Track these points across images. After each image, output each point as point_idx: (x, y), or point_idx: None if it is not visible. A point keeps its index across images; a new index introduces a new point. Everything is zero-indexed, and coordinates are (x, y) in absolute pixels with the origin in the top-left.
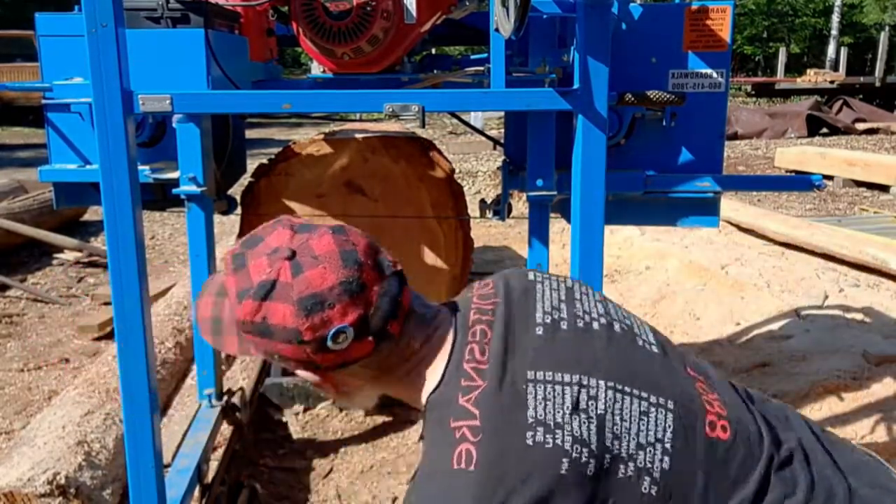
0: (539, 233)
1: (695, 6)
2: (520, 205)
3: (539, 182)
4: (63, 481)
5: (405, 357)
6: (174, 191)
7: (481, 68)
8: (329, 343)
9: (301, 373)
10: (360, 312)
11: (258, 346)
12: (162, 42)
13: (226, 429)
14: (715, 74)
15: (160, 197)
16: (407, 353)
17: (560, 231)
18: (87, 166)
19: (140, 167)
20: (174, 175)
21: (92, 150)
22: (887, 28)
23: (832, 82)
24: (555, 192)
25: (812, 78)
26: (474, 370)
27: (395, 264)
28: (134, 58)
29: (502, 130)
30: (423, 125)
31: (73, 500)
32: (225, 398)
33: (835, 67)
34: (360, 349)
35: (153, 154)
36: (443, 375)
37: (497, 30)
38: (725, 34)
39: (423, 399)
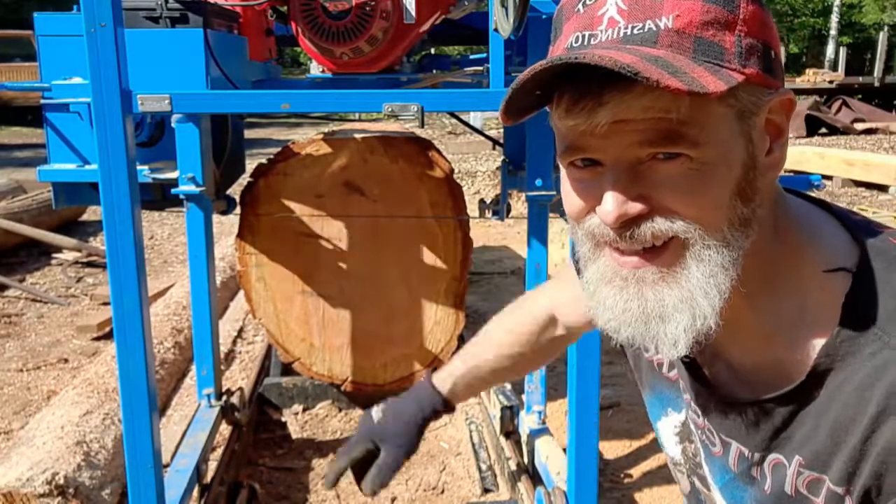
0: (538, 232)
1: None
2: (519, 205)
3: (538, 182)
4: (62, 481)
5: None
6: (173, 191)
7: (480, 68)
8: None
9: (787, 94)
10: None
11: (758, 34)
12: (161, 42)
13: (225, 428)
14: None
15: (159, 197)
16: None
17: (560, 231)
18: (86, 166)
19: (139, 167)
20: (173, 175)
21: (91, 149)
22: (886, 28)
23: (831, 82)
24: (554, 192)
25: (811, 78)
26: None
27: None
28: (133, 58)
29: (501, 130)
30: (422, 125)
31: (72, 500)
32: (224, 398)
33: (834, 67)
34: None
35: (152, 154)
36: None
37: (496, 29)
38: None
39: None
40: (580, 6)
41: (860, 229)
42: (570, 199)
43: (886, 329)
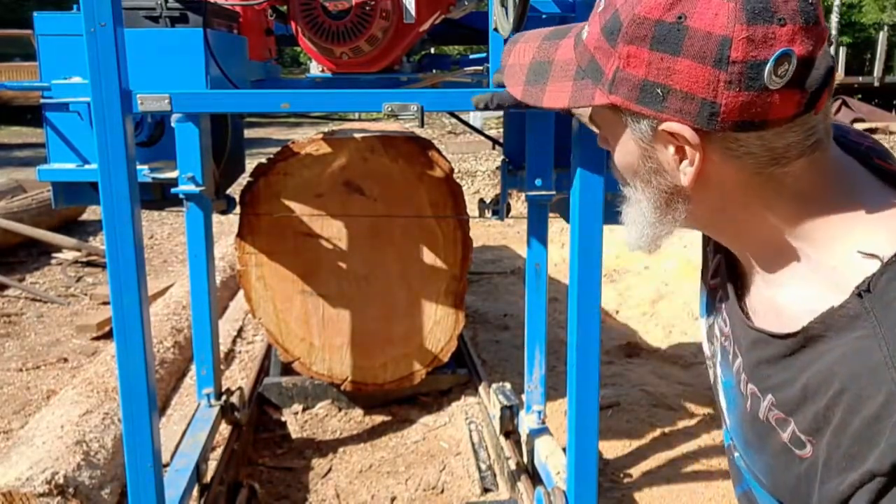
0: (538, 232)
1: None
2: (518, 204)
3: (538, 182)
4: (61, 481)
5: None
6: (173, 190)
7: (480, 68)
8: (766, 71)
9: (676, 128)
10: (808, 50)
11: (637, 68)
12: (161, 41)
13: (224, 428)
14: None
15: (159, 196)
16: (812, 160)
17: (559, 231)
18: (86, 166)
19: (139, 167)
20: (173, 175)
21: (90, 149)
22: (886, 28)
23: None
24: (553, 192)
25: None
26: None
27: None
28: (133, 57)
29: (501, 130)
30: (422, 125)
31: (72, 499)
32: (224, 397)
33: None
34: (783, 105)
35: (152, 153)
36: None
37: (496, 29)
38: None
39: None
40: None
41: None
42: None
43: (882, 323)
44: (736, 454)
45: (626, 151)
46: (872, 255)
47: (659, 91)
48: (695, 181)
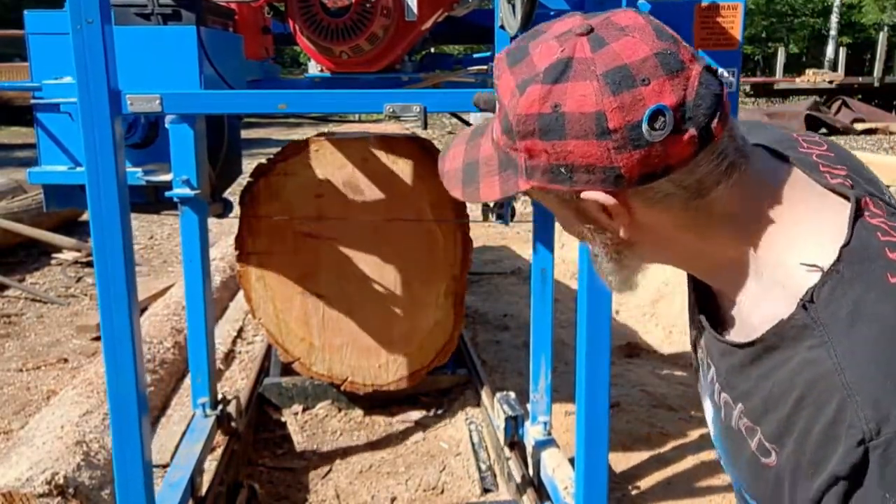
0: (544, 237)
1: (705, 3)
2: (519, 205)
3: None
4: (61, 481)
5: (729, 188)
6: (167, 193)
7: (484, 67)
8: (644, 129)
9: (592, 196)
10: (679, 95)
11: (539, 157)
12: (152, 40)
13: (221, 437)
14: (725, 73)
15: (153, 199)
16: (732, 182)
17: (559, 231)
18: (78, 168)
19: (133, 169)
20: (167, 177)
21: (82, 151)
22: (886, 28)
23: (831, 82)
24: None
25: (811, 78)
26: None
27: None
28: (123, 56)
29: None
30: (424, 126)
31: (72, 499)
32: (220, 406)
33: (833, 67)
34: (677, 148)
35: (146, 155)
36: (851, 229)
37: (502, 27)
38: (736, 32)
39: (783, 258)
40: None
41: (859, 219)
42: None
43: (828, 331)
44: (722, 461)
45: (564, 218)
46: (814, 267)
47: (563, 170)
48: (630, 231)
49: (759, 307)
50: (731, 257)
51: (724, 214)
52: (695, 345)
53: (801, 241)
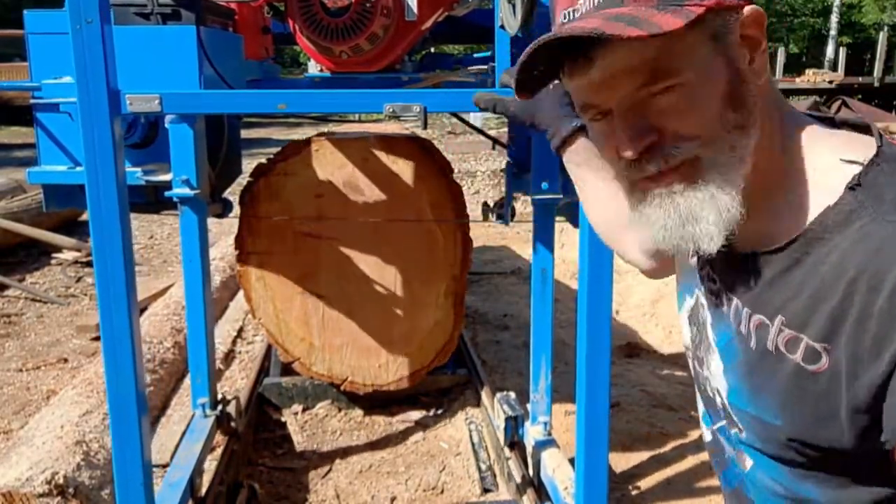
0: (544, 237)
1: None
2: (519, 205)
3: (544, 185)
4: (61, 481)
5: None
6: (167, 193)
7: (485, 67)
8: None
9: (747, 10)
10: None
11: None
12: (152, 39)
13: (221, 437)
14: None
15: (153, 199)
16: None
17: (559, 231)
18: (77, 168)
19: (132, 169)
20: (167, 177)
21: (82, 151)
22: (886, 28)
23: (831, 82)
24: (560, 195)
25: (811, 78)
26: None
27: None
28: (122, 56)
29: (501, 130)
30: (424, 126)
31: (72, 499)
32: (219, 407)
33: (833, 67)
34: None
35: (146, 155)
36: (880, 139)
37: (502, 27)
38: None
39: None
40: None
41: (880, 136)
42: (602, 150)
43: (878, 210)
44: (733, 431)
45: (712, 77)
46: (853, 162)
47: None
48: (760, 70)
49: (797, 206)
50: (777, 152)
51: (777, 99)
52: (692, 314)
53: (838, 147)
